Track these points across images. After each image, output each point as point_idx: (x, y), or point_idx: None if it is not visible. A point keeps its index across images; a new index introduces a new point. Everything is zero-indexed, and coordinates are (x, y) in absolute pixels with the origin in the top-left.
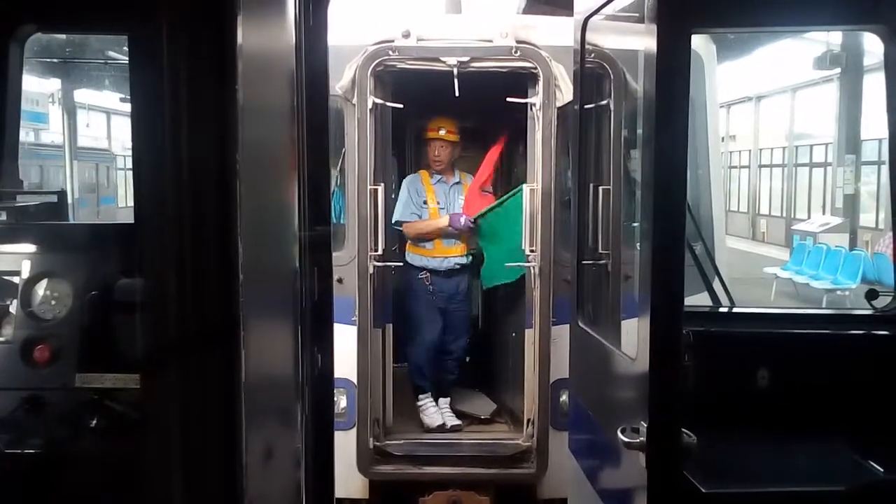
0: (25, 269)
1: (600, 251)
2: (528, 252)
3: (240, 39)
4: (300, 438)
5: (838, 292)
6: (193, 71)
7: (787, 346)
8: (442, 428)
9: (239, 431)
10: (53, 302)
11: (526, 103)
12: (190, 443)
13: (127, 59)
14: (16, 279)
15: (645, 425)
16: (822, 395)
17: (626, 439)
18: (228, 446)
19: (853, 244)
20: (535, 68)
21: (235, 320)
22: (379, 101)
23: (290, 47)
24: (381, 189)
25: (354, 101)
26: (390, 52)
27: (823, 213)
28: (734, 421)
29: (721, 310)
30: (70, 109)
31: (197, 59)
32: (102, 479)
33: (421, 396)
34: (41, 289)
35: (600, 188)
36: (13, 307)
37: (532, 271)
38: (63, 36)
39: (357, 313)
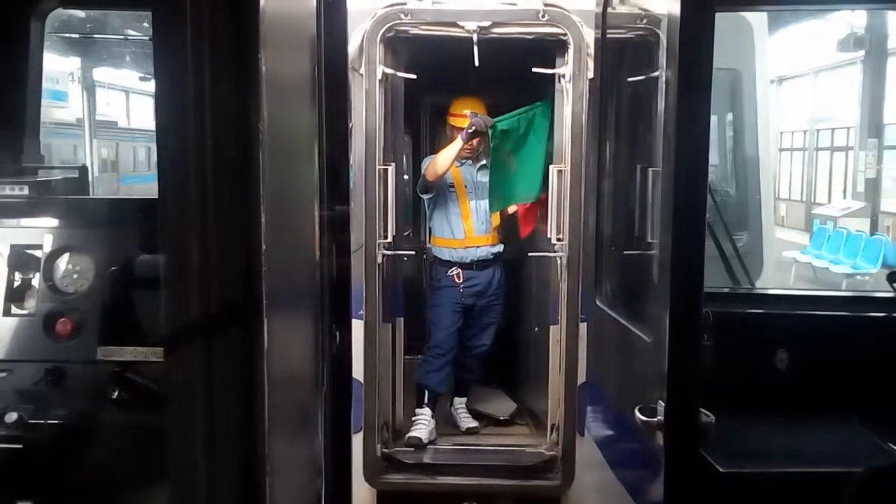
0: (47, 243)
1: (649, 240)
2: (554, 241)
3: (262, 2)
4: (320, 413)
5: (858, 277)
6: (217, 43)
7: (808, 328)
8: (420, 442)
9: (261, 405)
10: (75, 276)
11: (554, 74)
12: (212, 416)
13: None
14: (38, 253)
15: (663, 404)
16: (841, 376)
17: (643, 418)
18: (250, 419)
19: (874, 229)
20: (565, 34)
21: (258, 295)
22: (389, 70)
23: (310, 14)
24: (391, 169)
25: (362, 70)
26: (402, 16)
27: (844, 197)
28: (753, 401)
29: (741, 291)
30: (89, 87)
31: (219, 29)
32: (123, 450)
33: (418, 411)
34: (63, 263)
35: (650, 170)
36: (36, 281)
37: (559, 262)
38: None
39: (364, 307)
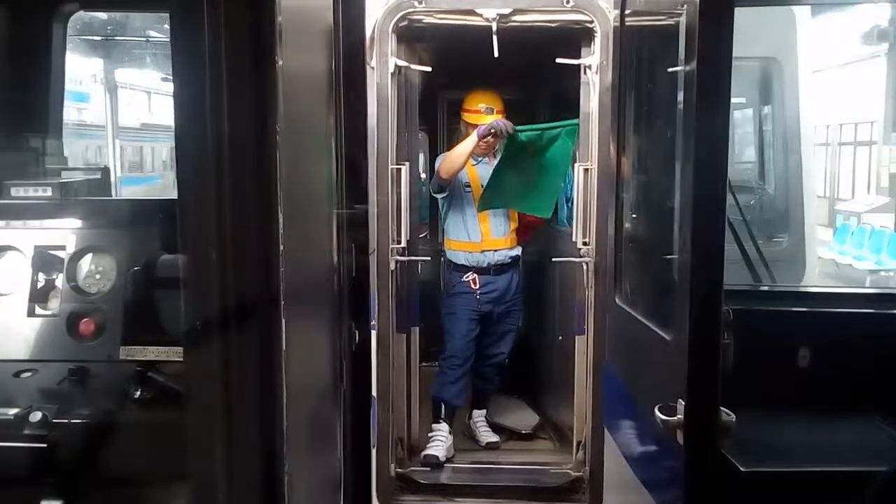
0: (71, 244)
1: (668, 237)
2: (580, 245)
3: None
4: (339, 411)
5: (882, 273)
6: (234, 44)
7: (830, 325)
8: (437, 460)
9: (280, 403)
10: (98, 276)
11: (579, 65)
12: (232, 414)
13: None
14: (61, 254)
15: (683, 403)
16: (864, 374)
17: (663, 417)
18: (269, 417)
19: None
20: (592, 22)
21: (276, 294)
22: (402, 63)
23: (327, 6)
24: (404, 169)
25: (373, 63)
26: (416, 4)
27: (868, 192)
28: (775, 400)
29: (762, 288)
30: (112, 88)
31: (237, 29)
32: (145, 449)
33: (435, 427)
34: (86, 263)
35: (669, 165)
36: (59, 281)
37: (585, 267)
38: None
39: (377, 316)
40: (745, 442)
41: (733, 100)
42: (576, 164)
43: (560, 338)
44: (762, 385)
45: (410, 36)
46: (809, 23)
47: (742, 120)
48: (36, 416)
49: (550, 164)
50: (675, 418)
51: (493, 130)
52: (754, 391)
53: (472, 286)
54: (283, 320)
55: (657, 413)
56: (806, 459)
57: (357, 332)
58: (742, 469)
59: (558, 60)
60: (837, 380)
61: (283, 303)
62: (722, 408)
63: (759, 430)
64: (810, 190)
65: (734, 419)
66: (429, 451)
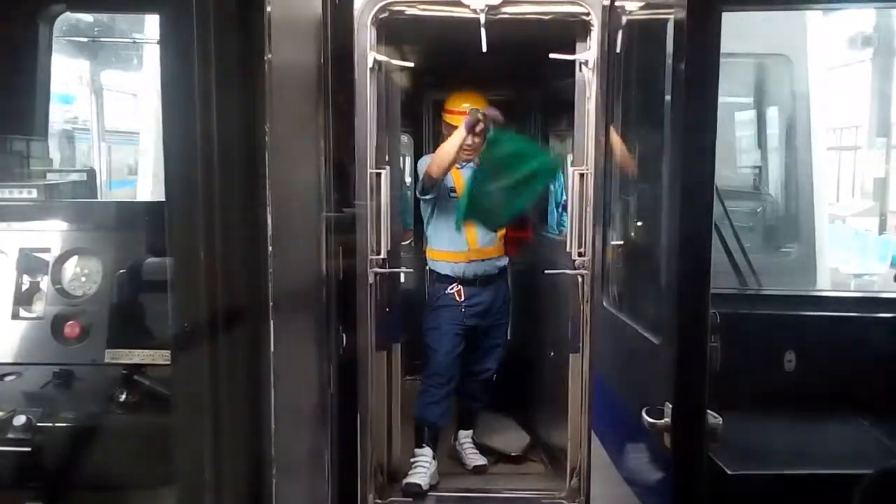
0: (56, 247)
1: (656, 240)
2: (574, 255)
3: (268, 8)
4: (327, 415)
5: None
6: (223, 47)
7: (815, 328)
8: (419, 489)
9: (267, 406)
10: (83, 279)
11: (574, 61)
12: (219, 418)
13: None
14: (46, 256)
15: (670, 406)
16: (850, 377)
17: (650, 420)
18: (257, 420)
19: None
20: (588, 14)
21: (264, 297)
22: (382, 58)
23: (316, 16)
24: (385, 173)
25: None
26: None
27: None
28: (761, 402)
29: (749, 291)
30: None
31: (225, 33)
32: (131, 452)
33: (418, 451)
34: (71, 266)
35: (656, 167)
36: (44, 284)
37: (580, 280)
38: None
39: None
40: (732, 445)
41: (739, 100)
42: (570, 169)
43: (552, 354)
44: (749, 388)
45: (392, 29)
46: (821, 16)
47: (748, 121)
48: (20, 419)
49: (528, 188)
50: (663, 421)
51: (480, 117)
52: (741, 394)
53: (457, 298)
54: (271, 323)
55: (644, 416)
56: (793, 462)
57: (345, 335)
58: (729, 472)
59: (552, 56)
60: (824, 383)
61: (271, 305)
62: (709, 411)
63: (746, 433)
64: (822, 197)
65: (721, 422)
66: (411, 479)
